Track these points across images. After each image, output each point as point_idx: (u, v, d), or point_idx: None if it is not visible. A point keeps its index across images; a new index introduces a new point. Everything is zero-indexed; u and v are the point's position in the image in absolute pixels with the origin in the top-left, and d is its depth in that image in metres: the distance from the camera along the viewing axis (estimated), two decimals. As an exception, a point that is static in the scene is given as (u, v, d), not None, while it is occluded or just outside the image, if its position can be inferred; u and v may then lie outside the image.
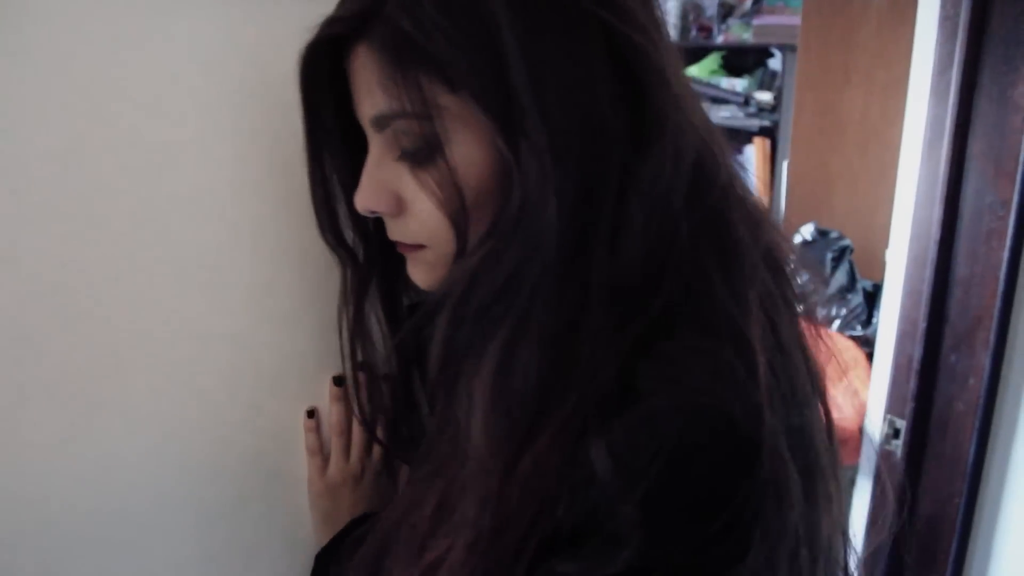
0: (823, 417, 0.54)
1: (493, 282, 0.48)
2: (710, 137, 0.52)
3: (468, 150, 0.49)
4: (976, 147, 1.17)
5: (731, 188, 0.52)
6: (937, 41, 1.17)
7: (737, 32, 3.48)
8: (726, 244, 0.50)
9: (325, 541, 0.70)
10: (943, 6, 1.15)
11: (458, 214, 0.49)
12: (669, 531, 0.43)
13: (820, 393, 0.54)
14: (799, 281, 0.56)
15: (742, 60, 3.55)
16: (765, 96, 3.42)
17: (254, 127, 0.63)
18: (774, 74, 3.46)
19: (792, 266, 0.55)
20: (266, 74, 0.61)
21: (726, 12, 3.55)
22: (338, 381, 0.71)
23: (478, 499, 0.47)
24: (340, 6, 0.52)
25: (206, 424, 0.65)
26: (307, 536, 0.73)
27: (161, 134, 0.59)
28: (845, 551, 0.56)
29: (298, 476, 0.72)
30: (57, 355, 0.57)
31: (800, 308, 0.55)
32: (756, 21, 3.40)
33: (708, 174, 0.50)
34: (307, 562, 0.71)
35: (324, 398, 0.72)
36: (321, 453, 0.71)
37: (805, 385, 0.50)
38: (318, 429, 0.71)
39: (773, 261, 0.53)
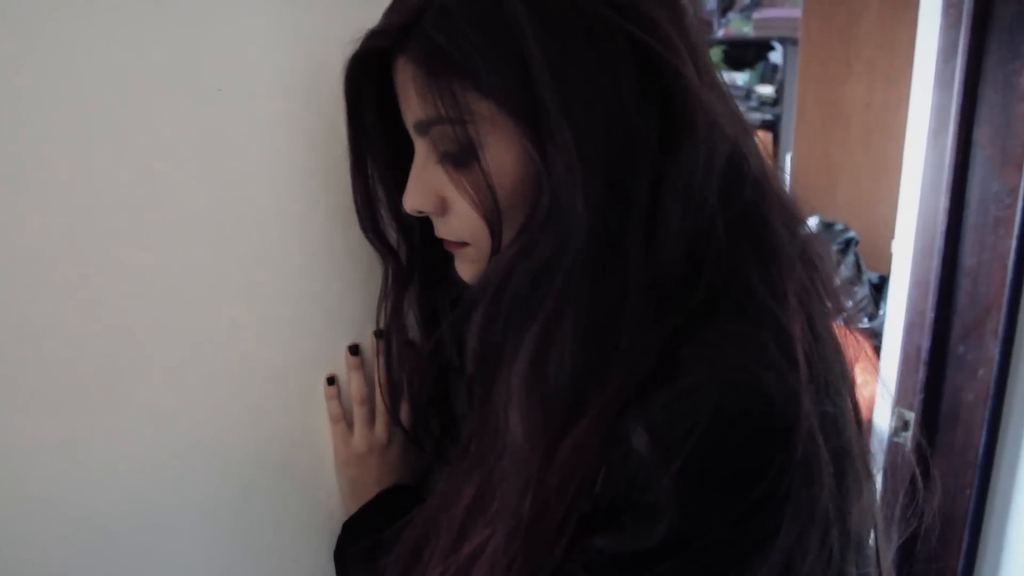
0: (856, 415, 0.55)
1: (525, 276, 0.50)
2: (744, 135, 0.53)
3: (501, 153, 0.51)
4: (982, 135, 1.16)
5: (766, 184, 0.53)
6: (941, 29, 1.16)
7: (737, 26, 3.47)
8: (763, 239, 0.51)
9: (353, 509, 0.71)
10: (946, -7, 1.15)
11: (492, 213, 0.52)
12: (704, 504, 0.44)
13: (849, 386, 0.54)
14: (832, 277, 0.57)
15: (743, 54, 3.55)
16: (766, 90, 3.41)
17: (294, 129, 0.64)
18: (775, 67, 3.46)
19: (826, 262, 0.56)
20: (313, 75, 0.63)
21: (726, 6, 3.54)
22: (354, 350, 0.71)
23: (517, 488, 0.48)
24: (382, 19, 0.55)
25: (212, 419, 0.65)
26: (320, 528, 0.73)
27: (195, 133, 0.59)
28: (876, 541, 0.57)
29: (307, 469, 0.72)
30: (66, 353, 0.56)
31: (831, 304, 0.56)
32: (756, 15, 3.39)
33: (742, 171, 0.51)
34: (321, 554, 0.71)
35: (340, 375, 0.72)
36: (344, 420, 0.72)
37: (838, 377, 0.51)
38: (339, 396, 0.71)
39: (808, 257, 0.55)
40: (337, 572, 0.72)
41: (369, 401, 0.71)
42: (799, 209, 0.56)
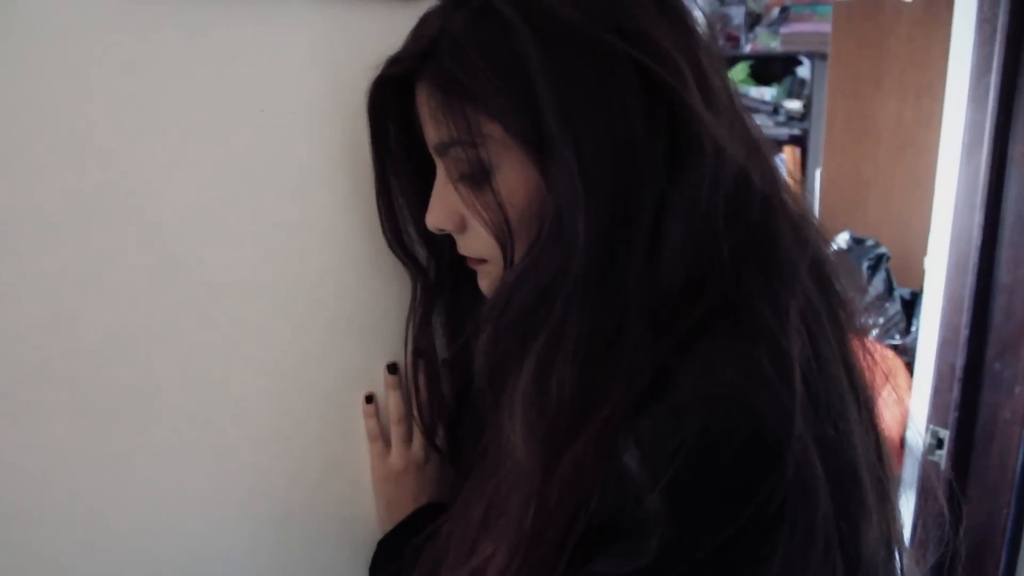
0: (872, 433, 0.54)
1: (529, 295, 0.51)
2: (755, 155, 0.54)
3: (511, 175, 0.53)
4: (1017, 151, 1.15)
5: (777, 203, 0.53)
6: (975, 45, 1.16)
7: (765, 41, 3.47)
8: (769, 258, 0.51)
9: (389, 527, 0.71)
10: (980, 8, 1.14)
11: (503, 232, 0.54)
12: (694, 521, 0.44)
13: (868, 410, 0.54)
14: (850, 296, 0.57)
15: (770, 69, 3.54)
16: (794, 104, 3.40)
17: (338, 151, 0.66)
18: (803, 82, 3.44)
19: (843, 282, 0.56)
20: (341, 89, 0.64)
21: (753, 21, 3.54)
22: (392, 369, 0.72)
23: (519, 504, 0.49)
24: (402, 47, 0.58)
25: (251, 437, 0.66)
26: (358, 546, 0.73)
27: (223, 150, 0.61)
28: (899, 566, 0.56)
29: (346, 487, 0.73)
30: (105, 371, 0.58)
31: (850, 324, 0.55)
32: (784, 29, 3.39)
33: (748, 192, 0.52)
34: (359, 572, 0.72)
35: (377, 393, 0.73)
36: (382, 438, 0.72)
37: (843, 399, 0.51)
38: (377, 414, 0.72)
39: (822, 275, 0.55)
40: None
41: (407, 420, 0.72)
42: (815, 227, 0.56)
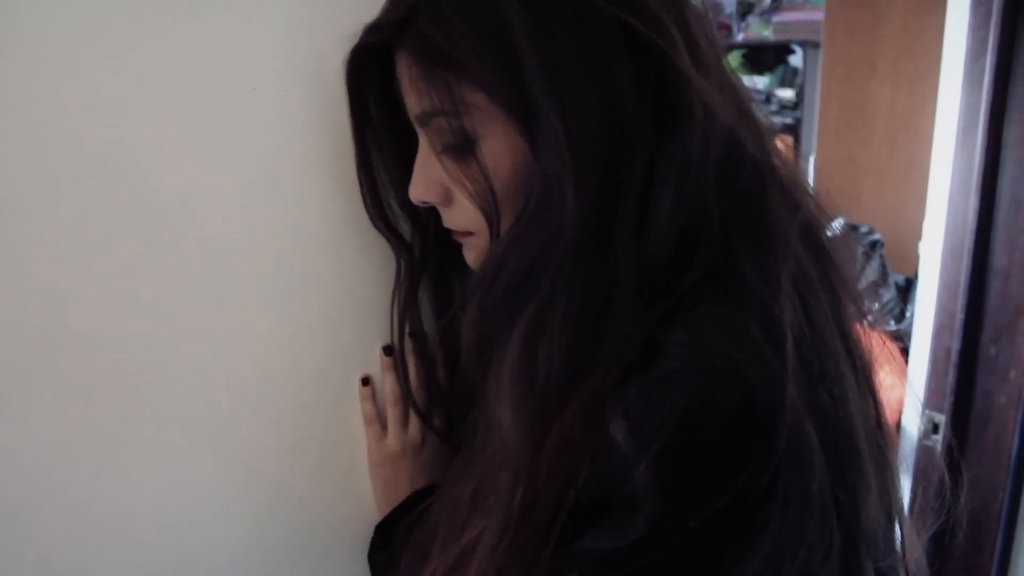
0: (870, 400, 0.53)
1: (517, 267, 0.50)
2: (745, 122, 0.52)
3: (496, 144, 0.52)
4: (1012, 134, 1.15)
5: (767, 168, 0.52)
6: (969, 28, 1.15)
7: (757, 30, 3.46)
8: (759, 224, 0.50)
9: (386, 511, 0.70)
10: (975, -8, 1.14)
11: (488, 204, 0.52)
12: (683, 493, 0.42)
13: (865, 376, 0.53)
14: (844, 262, 0.55)
15: (762, 58, 3.52)
16: (787, 93, 3.39)
17: (329, 129, 0.65)
18: (795, 71, 3.43)
19: (837, 250, 0.55)
20: (315, 70, 0.63)
21: (745, 10, 3.53)
22: (388, 350, 0.71)
23: (508, 480, 0.48)
24: (380, 14, 0.56)
25: (247, 422, 0.66)
26: (356, 530, 0.73)
27: (207, 132, 0.59)
28: (899, 539, 0.55)
29: (343, 472, 0.72)
30: (97, 356, 0.57)
31: (844, 290, 0.54)
32: (776, 18, 3.37)
33: (739, 158, 0.51)
34: (357, 557, 0.71)
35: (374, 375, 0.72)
36: (378, 421, 0.71)
37: (839, 365, 0.49)
38: (373, 397, 0.71)
39: (814, 241, 0.53)
40: (372, 573, 0.72)
41: (403, 402, 0.72)
42: (807, 193, 0.55)
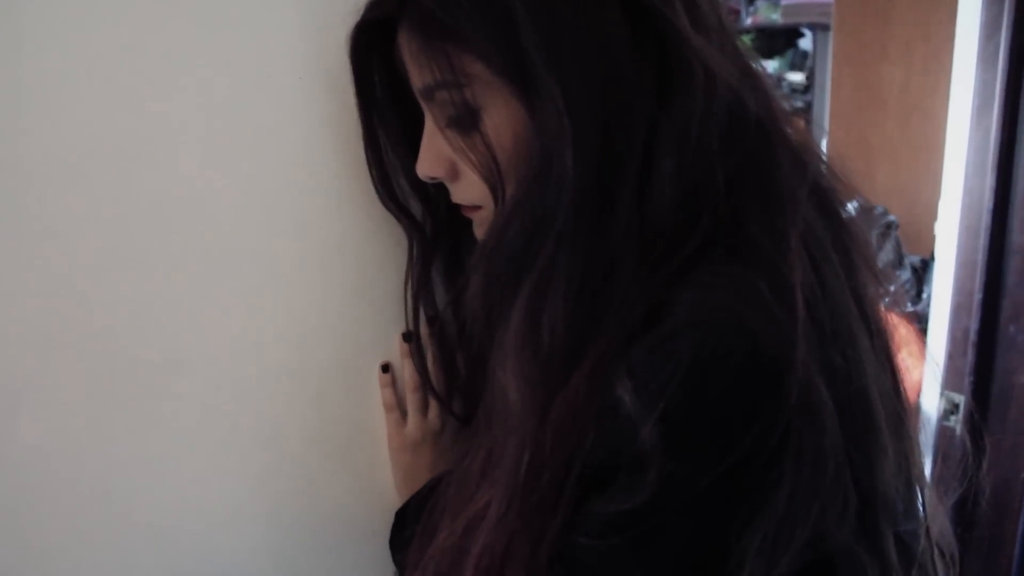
0: (887, 365, 0.52)
1: (519, 235, 0.50)
2: (748, 79, 0.52)
3: (499, 114, 0.52)
4: (1028, 111, 1.14)
5: (773, 128, 0.52)
6: (983, 5, 1.14)
7: (765, 14, 3.43)
8: (766, 185, 0.50)
9: (406, 497, 0.71)
10: (988, -32, 1.13)
11: (493, 175, 0.53)
12: (691, 451, 0.42)
13: (881, 341, 0.52)
14: (855, 223, 0.55)
15: (772, 42, 3.50)
16: (797, 77, 3.37)
17: (314, 111, 0.65)
18: (805, 54, 3.41)
19: (848, 211, 0.54)
20: (323, 57, 0.63)
21: (754, -6, 3.50)
22: (407, 337, 0.71)
23: (515, 448, 0.47)
24: None
25: (272, 410, 0.66)
26: (379, 517, 0.73)
27: (220, 122, 0.60)
28: (920, 507, 0.55)
29: (366, 459, 0.73)
30: (120, 351, 0.58)
31: (858, 253, 0.54)
32: (784, 1, 3.35)
33: (743, 119, 0.50)
34: (380, 542, 0.72)
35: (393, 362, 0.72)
36: (398, 409, 0.72)
37: (852, 327, 0.49)
38: (393, 384, 0.71)
39: (824, 202, 0.53)
40: (393, 560, 0.72)
41: (422, 388, 0.72)
42: (815, 152, 0.54)
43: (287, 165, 0.64)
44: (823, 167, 0.54)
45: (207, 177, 0.60)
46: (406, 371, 0.72)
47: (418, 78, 0.54)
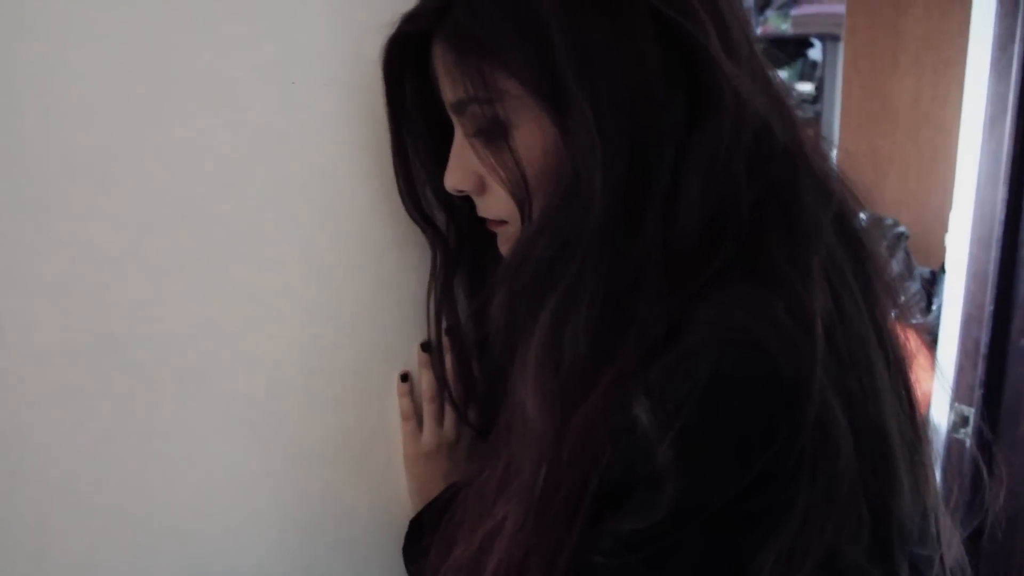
0: (904, 395, 0.52)
1: (545, 251, 0.50)
2: (777, 109, 0.52)
3: (529, 131, 0.53)
4: (1041, 123, 1.13)
5: (799, 157, 0.52)
6: (996, 16, 1.14)
7: (775, 23, 3.43)
8: (790, 212, 0.50)
9: (420, 507, 0.71)
10: (1002, -20, 1.13)
11: (520, 191, 0.53)
12: (707, 470, 0.42)
13: (899, 371, 0.53)
14: (878, 252, 0.55)
15: (781, 51, 3.50)
16: (806, 87, 3.36)
17: (338, 119, 0.65)
18: (814, 64, 3.41)
19: (872, 242, 0.55)
20: (353, 64, 0.64)
21: (763, 3, 3.50)
22: (426, 347, 0.71)
23: (532, 463, 0.48)
24: (417, 3, 0.57)
25: (285, 414, 0.66)
26: (393, 519, 0.73)
27: (245, 127, 0.60)
28: (937, 532, 0.54)
29: (382, 464, 0.73)
30: (141, 355, 0.58)
31: (879, 281, 0.54)
32: (794, 11, 3.34)
33: (770, 146, 0.50)
34: (394, 550, 0.72)
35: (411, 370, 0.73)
36: (415, 418, 0.72)
37: (870, 356, 0.49)
38: (411, 393, 0.72)
39: (847, 231, 0.53)
40: (408, 571, 0.72)
41: (439, 398, 0.72)
42: (840, 181, 0.54)
43: (312, 173, 0.64)
44: (845, 193, 0.54)
45: (231, 183, 0.60)
46: (423, 381, 0.72)
47: (451, 92, 0.55)
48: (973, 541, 1.24)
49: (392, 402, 0.72)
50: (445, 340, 0.71)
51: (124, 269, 0.56)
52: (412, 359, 0.72)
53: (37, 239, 0.52)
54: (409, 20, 0.57)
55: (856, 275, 0.51)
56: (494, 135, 0.53)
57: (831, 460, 0.43)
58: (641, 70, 0.48)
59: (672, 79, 0.49)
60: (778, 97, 0.54)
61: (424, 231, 0.68)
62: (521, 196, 0.53)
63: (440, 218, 0.68)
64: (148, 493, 0.60)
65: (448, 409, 0.72)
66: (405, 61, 0.60)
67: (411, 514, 0.72)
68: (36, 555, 0.55)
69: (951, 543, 0.57)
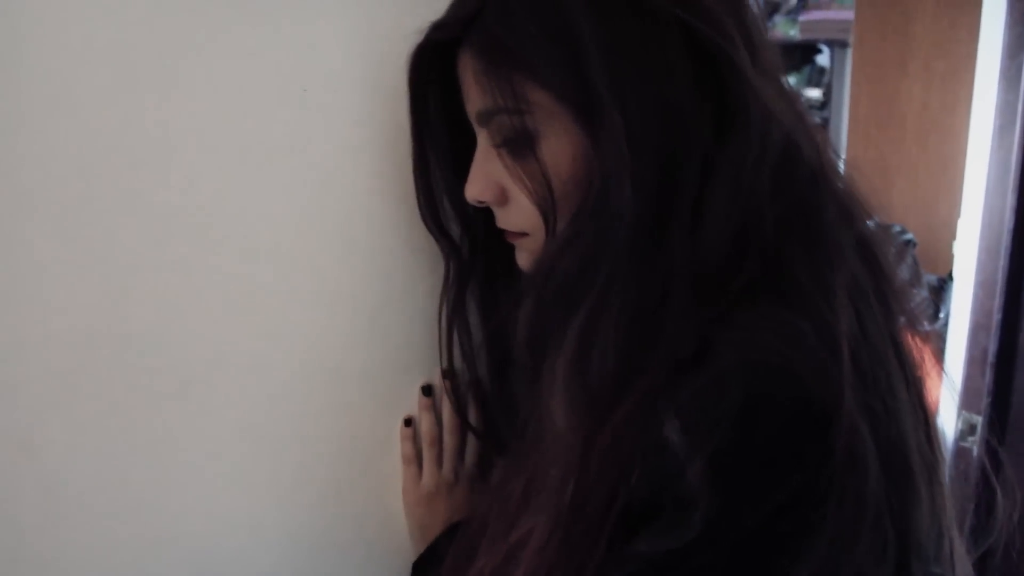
0: (920, 414, 0.53)
1: (573, 263, 0.50)
2: (801, 128, 0.53)
3: (557, 143, 0.52)
4: (1051, 131, 1.13)
5: (823, 176, 0.52)
6: (1006, 25, 1.14)
7: (783, 29, 3.43)
8: (813, 232, 0.50)
9: (422, 549, 0.70)
10: (1011, -12, 1.13)
11: (546, 202, 0.53)
12: (739, 492, 0.42)
13: (916, 390, 0.53)
14: (897, 275, 0.55)
15: (789, 57, 3.49)
16: (814, 93, 3.36)
17: (353, 126, 0.65)
18: (822, 70, 3.40)
19: (891, 264, 0.55)
20: (368, 71, 0.64)
21: (771, 9, 3.50)
22: (427, 391, 0.71)
23: (559, 476, 0.48)
24: (446, 12, 0.57)
25: (296, 419, 0.66)
26: (403, 525, 0.73)
27: (259, 134, 0.61)
28: (952, 549, 0.54)
29: (388, 478, 0.73)
30: (153, 357, 0.58)
31: (897, 303, 0.54)
32: (803, 17, 3.34)
33: (796, 164, 0.51)
34: (400, 565, 0.72)
35: (414, 403, 0.73)
36: (416, 462, 0.72)
37: (891, 376, 0.49)
38: (414, 438, 0.71)
39: (868, 253, 0.53)
40: None
41: (439, 442, 0.72)
42: (861, 205, 0.54)
43: (331, 178, 0.64)
44: (864, 212, 0.54)
45: (250, 186, 0.60)
46: (423, 424, 0.72)
47: (478, 101, 0.55)
48: (983, 560, 1.23)
49: (400, 409, 0.72)
50: (456, 372, 0.70)
51: (138, 271, 0.57)
52: (420, 366, 0.72)
53: (45, 241, 0.53)
54: (438, 28, 0.57)
55: (876, 297, 0.51)
56: (521, 145, 0.53)
57: (860, 482, 0.43)
58: (671, 82, 0.49)
59: (701, 92, 0.49)
60: (803, 115, 0.54)
61: (438, 242, 0.68)
62: (547, 207, 0.53)
63: (455, 229, 0.68)
64: (155, 497, 0.60)
65: (447, 451, 0.72)
66: (431, 70, 0.60)
67: (413, 556, 0.71)
68: (41, 559, 0.56)
69: (962, 561, 0.57)
